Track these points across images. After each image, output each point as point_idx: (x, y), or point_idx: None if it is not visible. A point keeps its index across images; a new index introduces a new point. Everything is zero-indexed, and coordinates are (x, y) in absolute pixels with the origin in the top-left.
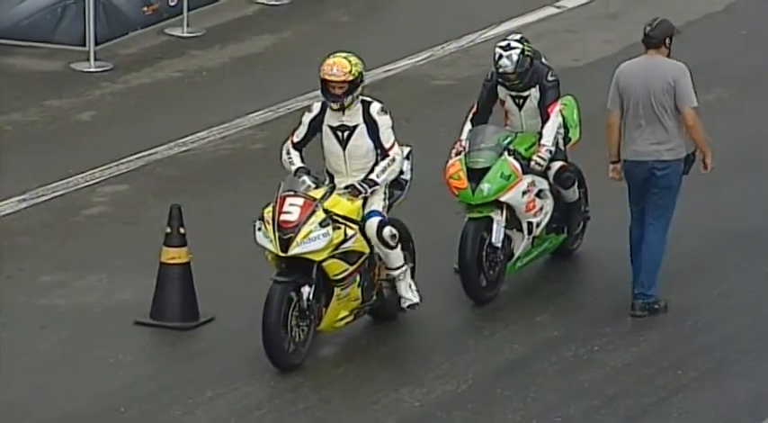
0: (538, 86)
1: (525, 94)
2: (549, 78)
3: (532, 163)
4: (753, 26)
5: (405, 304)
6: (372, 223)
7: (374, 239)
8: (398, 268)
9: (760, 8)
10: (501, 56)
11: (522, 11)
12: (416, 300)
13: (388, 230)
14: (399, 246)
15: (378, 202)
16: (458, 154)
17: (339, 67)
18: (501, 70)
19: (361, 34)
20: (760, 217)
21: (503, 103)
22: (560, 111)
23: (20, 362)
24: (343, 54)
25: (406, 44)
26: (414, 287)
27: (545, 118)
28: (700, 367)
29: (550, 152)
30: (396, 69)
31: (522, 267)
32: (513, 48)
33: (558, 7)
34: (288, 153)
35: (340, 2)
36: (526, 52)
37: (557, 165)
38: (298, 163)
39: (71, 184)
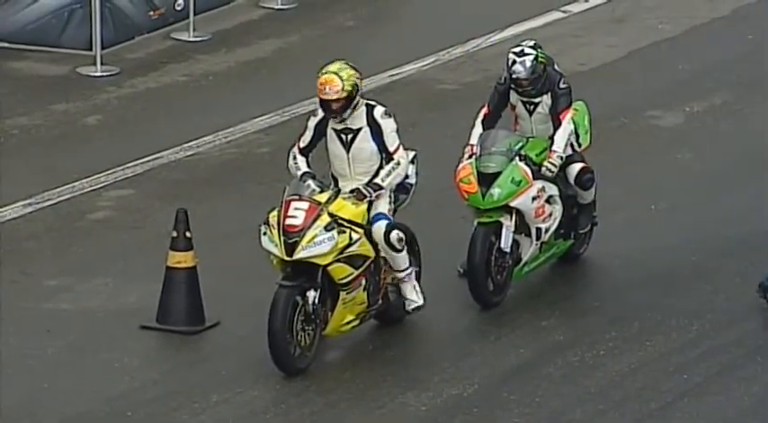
0: (550, 93)
1: (537, 100)
2: (562, 85)
3: (543, 169)
4: (759, 30)
5: (409, 307)
6: (380, 226)
7: (381, 243)
8: (404, 270)
9: (766, 12)
10: (515, 61)
11: (527, 15)
12: (421, 302)
13: (395, 234)
14: (405, 248)
15: (383, 206)
16: (469, 157)
17: (330, 86)
18: (514, 76)
19: (366, 39)
20: (765, 221)
21: (513, 107)
22: (572, 117)
23: (26, 365)
24: (335, 67)
25: (411, 49)
26: (418, 289)
27: (557, 124)
28: (705, 372)
29: (561, 158)
30: (401, 74)
31: (529, 272)
32: (527, 54)
33: (564, 12)
34: (294, 158)
35: (346, 6)
36: (539, 58)
37: (578, 166)
38: (303, 168)
39: (76, 189)
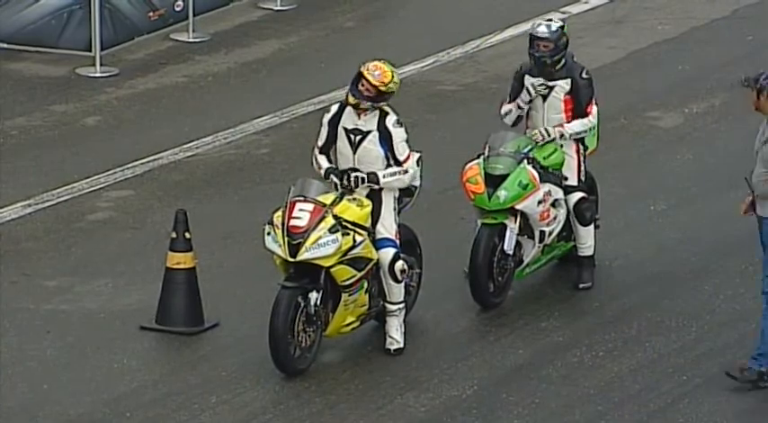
0: (570, 80)
1: (552, 83)
2: (584, 76)
3: (540, 129)
4: (759, 31)
5: (390, 346)
6: (387, 253)
7: (384, 269)
8: (397, 304)
9: (766, 13)
10: (540, 24)
11: (526, 16)
12: (402, 345)
13: (399, 264)
14: (404, 282)
15: (389, 221)
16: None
17: (382, 72)
18: (536, 35)
19: (366, 40)
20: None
21: (520, 108)
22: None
23: (25, 367)
24: (392, 67)
25: (410, 50)
26: (403, 329)
27: (583, 116)
28: (705, 373)
29: (563, 136)
30: (400, 75)
31: (530, 273)
32: (555, 21)
33: (564, 13)
34: (316, 158)
35: (345, 7)
36: (565, 30)
37: (578, 195)
38: (325, 164)
39: (76, 190)
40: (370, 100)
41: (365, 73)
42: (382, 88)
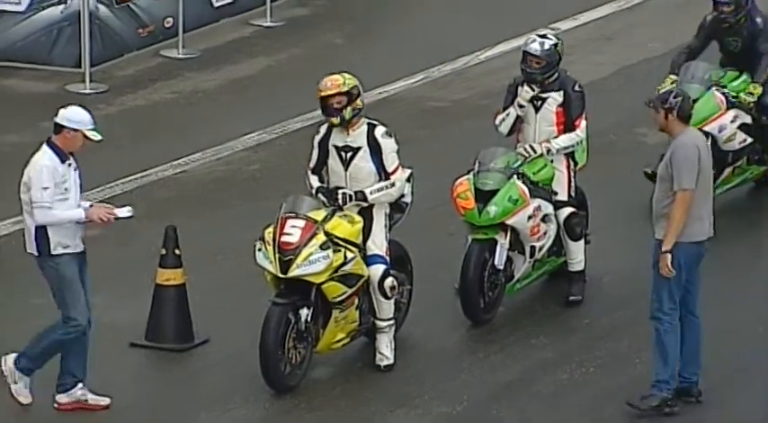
0: (562, 92)
1: (545, 95)
2: (576, 88)
3: (526, 146)
4: None
5: (380, 362)
6: (377, 270)
7: (374, 285)
8: (386, 320)
9: None
10: (534, 40)
11: (516, 33)
12: (392, 361)
13: (389, 281)
14: (394, 298)
15: (380, 238)
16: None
17: (332, 81)
18: (528, 51)
19: (355, 56)
20: (755, 240)
21: (521, 106)
22: (584, 128)
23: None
24: (337, 73)
25: (400, 66)
26: (392, 346)
27: (571, 129)
28: None
29: (550, 152)
30: (390, 91)
31: (521, 289)
32: (548, 38)
33: (553, 29)
34: (308, 179)
35: (335, 24)
36: (558, 48)
37: (568, 210)
38: (316, 184)
39: None
40: (344, 106)
41: (322, 94)
42: (344, 89)
